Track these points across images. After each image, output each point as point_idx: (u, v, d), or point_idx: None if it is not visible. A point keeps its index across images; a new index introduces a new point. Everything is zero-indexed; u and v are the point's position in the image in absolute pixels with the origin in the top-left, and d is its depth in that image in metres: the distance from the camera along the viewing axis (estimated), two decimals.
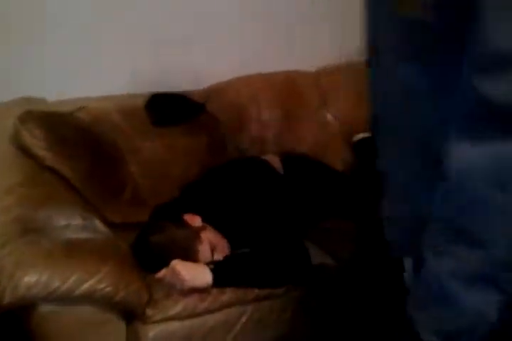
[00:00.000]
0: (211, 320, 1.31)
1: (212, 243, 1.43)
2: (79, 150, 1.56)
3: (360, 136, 2.19)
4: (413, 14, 0.60)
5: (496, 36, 0.53)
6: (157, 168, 1.80)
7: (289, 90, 2.10)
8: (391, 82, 0.70)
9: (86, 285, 1.13)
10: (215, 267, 1.33)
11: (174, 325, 1.27)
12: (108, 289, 1.16)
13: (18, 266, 1.10)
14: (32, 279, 1.09)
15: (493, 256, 0.60)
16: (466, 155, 0.58)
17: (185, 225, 1.45)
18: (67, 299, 1.14)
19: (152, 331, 1.25)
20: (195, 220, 1.47)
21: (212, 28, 2.03)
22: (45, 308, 1.15)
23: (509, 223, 0.59)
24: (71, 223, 1.30)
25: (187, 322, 1.28)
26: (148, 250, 1.36)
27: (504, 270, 0.61)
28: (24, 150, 1.47)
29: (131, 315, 1.25)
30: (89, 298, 1.16)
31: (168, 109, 1.92)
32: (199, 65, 2.05)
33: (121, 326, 1.26)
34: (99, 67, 1.89)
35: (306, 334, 1.50)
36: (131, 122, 1.81)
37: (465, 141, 0.58)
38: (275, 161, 1.79)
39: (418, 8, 0.59)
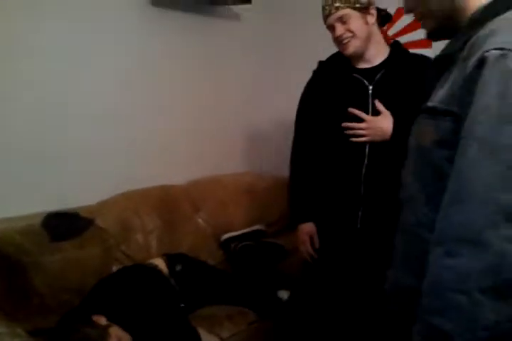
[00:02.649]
0: None
1: (118, 336, 1.74)
2: None
3: (227, 235, 2.68)
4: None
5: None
6: (57, 278, 2.01)
7: (165, 202, 2.53)
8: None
9: None
10: None
11: None
12: None
13: None
14: None
15: None
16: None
17: (95, 325, 1.75)
18: None
19: None
20: (101, 320, 1.78)
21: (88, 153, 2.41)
22: None
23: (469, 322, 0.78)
24: (1, 331, 1.54)
25: None
26: None
27: None
28: None
29: None
30: None
31: (62, 225, 2.20)
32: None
33: None
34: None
35: None
36: (30, 240, 2.04)
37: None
38: (160, 263, 2.17)
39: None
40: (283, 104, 2.93)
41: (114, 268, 2.19)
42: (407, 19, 2.63)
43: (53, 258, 2.05)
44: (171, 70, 2.72)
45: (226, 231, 2.69)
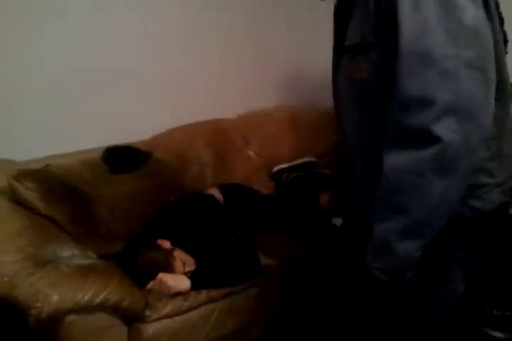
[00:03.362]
0: (193, 315, 1.73)
1: (182, 259, 1.85)
2: (62, 199, 1.92)
3: (278, 167, 2.72)
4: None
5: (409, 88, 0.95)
6: (120, 209, 2.14)
7: (217, 135, 2.58)
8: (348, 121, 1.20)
9: (101, 296, 1.51)
10: (192, 275, 1.75)
11: (167, 322, 1.67)
12: (117, 298, 1.54)
13: (50, 286, 1.46)
14: (62, 295, 1.45)
15: (415, 219, 0.99)
16: (394, 158, 0.99)
17: (159, 248, 1.86)
18: (87, 308, 1.50)
19: (151, 328, 1.64)
20: (165, 244, 1.89)
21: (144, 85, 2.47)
22: (69, 318, 1.50)
23: (424, 197, 0.98)
24: (74, 253, 1.67)
25: (176, 319, 1.69)
26: (137, 270, 1.75)
27: (423, 225, 1.00)
28: (20, 203, 1.82)
29: (132, 318, 1.63)
30: (103, 307, 1.53)
31: (121, 159, 2.30)
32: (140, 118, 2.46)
33: (123, 328, 1.63)
34: (61, 126, 2.24)
35: (264, 322, 1.95)
36: (92, 173, 2.15)
37: (393, 150, 0.99)
38: (216, 193, 2.25)
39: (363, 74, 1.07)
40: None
41: (173, 199, 2.28)
42: None
43: (115, 189, 2.15)
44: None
45: (276, 164, 2.74)
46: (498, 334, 1.59)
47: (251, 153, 2.70)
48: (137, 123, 2.44)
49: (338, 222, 2.32)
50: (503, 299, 1.67)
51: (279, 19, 2.96)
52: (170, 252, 1.85)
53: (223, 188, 2.29)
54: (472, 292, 1.71)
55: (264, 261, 1.96)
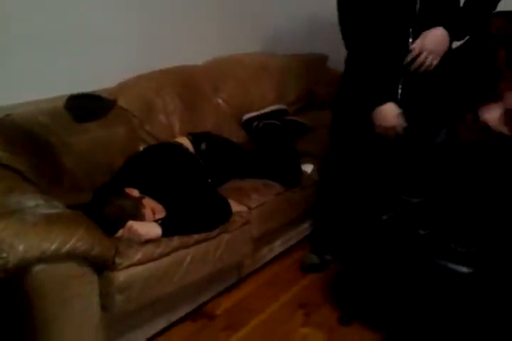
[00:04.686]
0: (165, 261, 1.72)
1: (152, 207, 1.82)
2: (25, 149, 1.85)
3: (248, 115, 2.68)
4: None
5: None
6: (86, 158, 2.07)
7: (185, 82, 2.50)
8: None
9: (68, 245, 1.47)
10: (162, 222, 1.73)
11: (138, 269, 1.65)
12: (86, 246, 1.50)
13: (15, 236, 1.41)
14: (27, 244, 1.41)
15: None
16: None
17: (128, 197, 1.82)
18: (54, 257, 1.47)
19: (122, 276, 1.62)
20: (134, 192, 1.85)
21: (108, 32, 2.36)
22: (37, 268, 1.47)
23: None
24: (38, 203, 1.62)
25: (147, 266, 1.67)
26: (106, 219, 1.71)
27: None
28: None
29: (102, 267, 1.61)
30: (71, 255, 1.49)
31: (85, 106, 2.21)
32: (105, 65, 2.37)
33: (93, 277, 1.61)
34: (24, 74, 2.13)
35: (235, 269, 1.96)
36: (56, 121, 2.07)
37: None
38: (185, 142, 2.20)
39: None
40: None
41: (141, 148, 2.23)
42: None
43: (80, 138, 2.09)
44: None
45: (246, 112, 2.70)
46: (463, 269, 1.65)
47: (220, 101, 2.64)
48: (102, 70, 2.35)
49: (308, 168, 2.32)
50: (468, 236, 1.72)
51: None
52: (139, 200, 1.82)
53: (193, 137, 2.24)
54: (438, 230, 1.76)
55: (236, 208, 1.95)
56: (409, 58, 1.77)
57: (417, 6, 1.74)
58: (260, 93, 2.82)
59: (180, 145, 2.14)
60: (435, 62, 1.76)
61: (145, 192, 1.88)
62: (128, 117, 2.28)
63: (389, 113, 1.84)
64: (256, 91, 2.81)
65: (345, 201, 2.14)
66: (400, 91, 1.87)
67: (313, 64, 3.11)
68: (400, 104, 1.87)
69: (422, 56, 1.74)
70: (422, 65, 1.77)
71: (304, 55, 3.09)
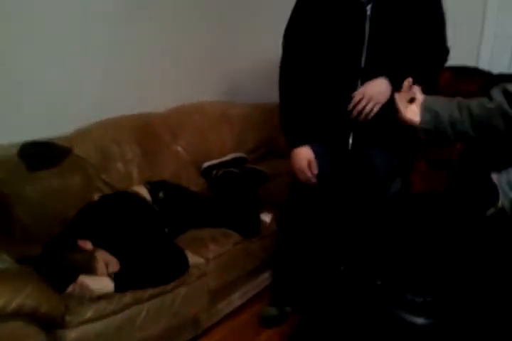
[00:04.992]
0: (118, 318, 1.65)
1: (105, 260, 1.77)
2: None
3: (207, 163, 2.68)
4: None
5: None
6: (39, 208, 2.00)
7: (143, 129, 2.49)
8: None
9: (15, 303, 1.40)
10: (115, 276, 1.67)
11: (89, 327, 1.58)
12: (33, 304, 1.44)
13: None
14: None
15: None
16: None
17: (80, 249, 1.76)
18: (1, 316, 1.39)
19: (73, 334, 1.54)
20: (87, 244, 1.79)
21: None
22: None
23: None
24: None
25: (99, 323, 1.60)
26: (56, 273, 1.64)
27: None
28: None
29: (52, 325, 1.53)
30: (18, 314, 1.42)
31: (38, 154, 2.16)
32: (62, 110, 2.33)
33: (42, 336, 1.53)
34: None
35: (192, 324, 1.90)
36: (8, 171, 2.01)
37: None
38: (142, 190, 2.17)
39: None
40: (268, 42, 2.87)
41: (96, 198, 2.18)
42: None
43: (33, 188, 2.02)
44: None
45: (206, 159, 2.69)
46: (419, 320, 1.63)
47: (179, 148, 2.64)
48: (58, 116, 2.32)
49: (267, 217, 2.32)
50: (424, 286, 1.72)
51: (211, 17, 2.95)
52: (91, 253, 1.76)
53: (151, 185, 2.21)
54: (394, 281, 1.76)
55: (193, 259, 1.92)
56: (350, 106, 1.82)
57: (363, 58, 1.80)
58: (220, 141, 2.84)
59: (136, 195, 2.11)
60: (376, 109, 1.79)
61: (99, 243, 1.83)
62: (84, 166, 2.23)
63: (302, 156, 1.90)
64: (216, 139, 2.82)
65: (303, 251, 2.13)
66: (350, 141, 1.91)
67: (274, 112, 3.15)
68: (351, 153, 1.92)
69: (363, 102, 1.79)
70: (362, 111, 1.81)
71: (264, 104, 3.14)
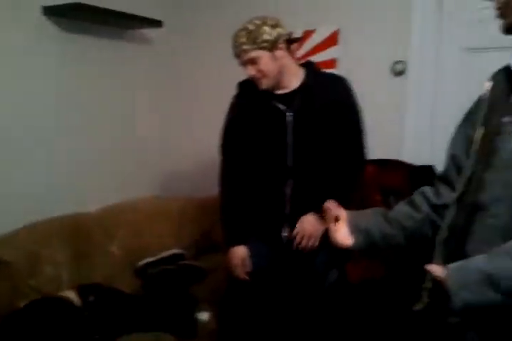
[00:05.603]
0: None
1: None
2: None
3: (144, 261, 2.61)
4: None
5: None
6: None
7: (76, 231, 2.43)
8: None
9: None
10: None
11: None
12: None
13: None
14: None
15: None
16: None
17: None
18: None
19: None
20: None
21: None
22: None
23: None
24: None
25: None
26: None
27: None
28: None
29: None
30: None
31: None
32: None
33: None
34: None
35: None
36: None
37: None
38: (72, 295, 2.07)
39: None
40: (200, 136, 2.99)
41: (23, 304, 2.06)
42: (314, 40, 2.79)
43: None
44: (82, 92, 2.68)
45: (142, 258, 2.63)
46: None
47: (114, 248, 2.57)
48: None
49: (205, 316, 2.25)
50: None
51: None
52: None
53: (81, 289, 2.12)
54: None
55: None
56: (294, 246, 1.94)
57: (289, 158, 1.93)
58: (156, 238, 2.79)
59: (65, 300, 2.01)
60: (316, 243, 1.94)
61: None
62: (10, 271, 2.13)
63: (237, 254, 1.99)
64: (151, 236, 2.78)
65: None
66: (285, 234, 1.99)
67: (208, 205, 3.16)
68: (285, 247, 1.97)
69: (303, 243, 1.93)
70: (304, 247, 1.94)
71: (200, 198, 3.16)
